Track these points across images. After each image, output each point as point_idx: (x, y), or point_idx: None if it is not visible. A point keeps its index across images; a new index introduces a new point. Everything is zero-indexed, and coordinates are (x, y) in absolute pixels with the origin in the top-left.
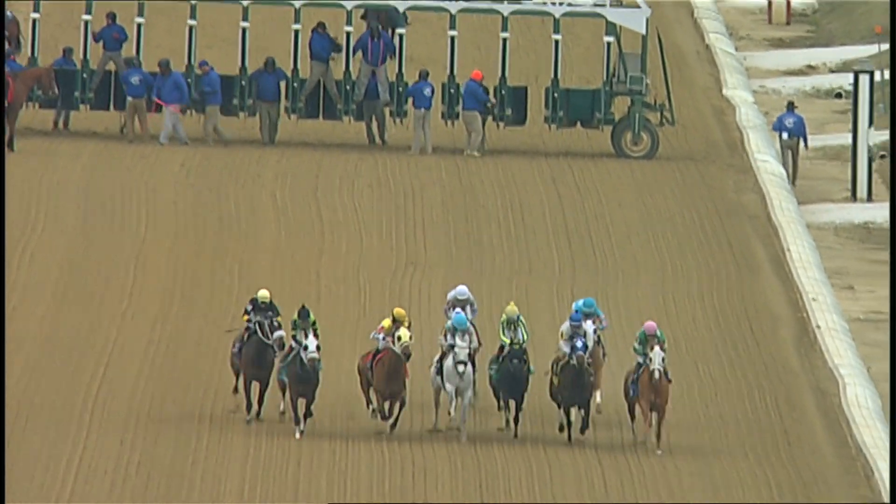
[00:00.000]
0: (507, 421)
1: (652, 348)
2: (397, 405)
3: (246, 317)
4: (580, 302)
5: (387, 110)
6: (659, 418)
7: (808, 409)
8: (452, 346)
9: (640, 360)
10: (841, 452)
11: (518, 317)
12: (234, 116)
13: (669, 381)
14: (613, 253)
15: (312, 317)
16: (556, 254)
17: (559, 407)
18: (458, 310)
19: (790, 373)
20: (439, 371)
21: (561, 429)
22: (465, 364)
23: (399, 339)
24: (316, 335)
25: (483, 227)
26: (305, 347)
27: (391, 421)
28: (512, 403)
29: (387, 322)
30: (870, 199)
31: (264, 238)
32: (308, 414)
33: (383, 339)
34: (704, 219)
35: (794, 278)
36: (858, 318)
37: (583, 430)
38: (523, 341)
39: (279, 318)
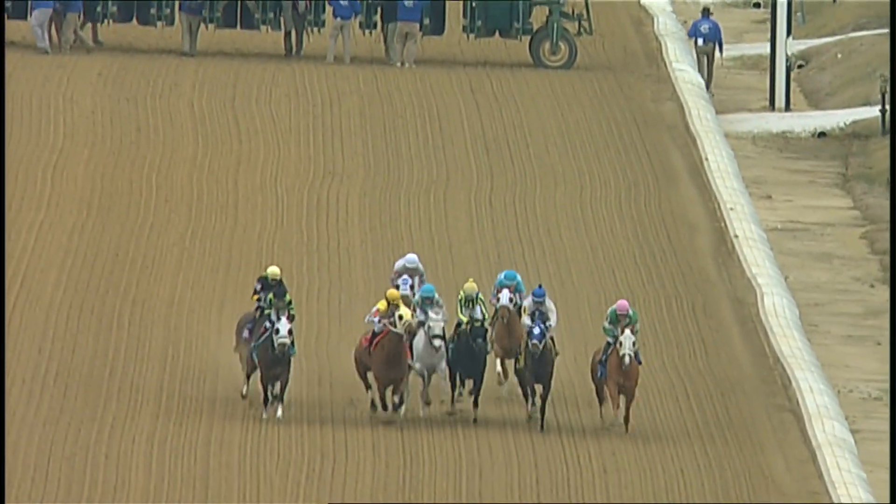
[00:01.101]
0: (452, 398)
1: (623, 330)
2: (400, 391)
3: (256, 297)
4: (501, 275)
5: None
6: (628, 401)
7: (725, 319)
8: (422, 322)
9: (610, 340)
10: (758, 362)
11: (477, 294)
12: (151, 26)
13: (639, 363)
14: (531, 162)
15: (289, 296)
16: (474, 163)
17: (522, 387)
18: (407, 279)
19: (708, 282)
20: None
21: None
22: (442, 339)
23: (401, 318)
24: (290, 317)
25: (401, 137)
26: (277, 331)
27: (399, 406)
28: (469, 382)
29: (382, 304)
30: (788, 108)
31: (182, 148)
32: (280, 398)
33: (379, 321)
34: (622, 128)
35: (712, 188)
36: (776, 228)
37: (542, 411)
38: (483, 319)
39: (290, 299)
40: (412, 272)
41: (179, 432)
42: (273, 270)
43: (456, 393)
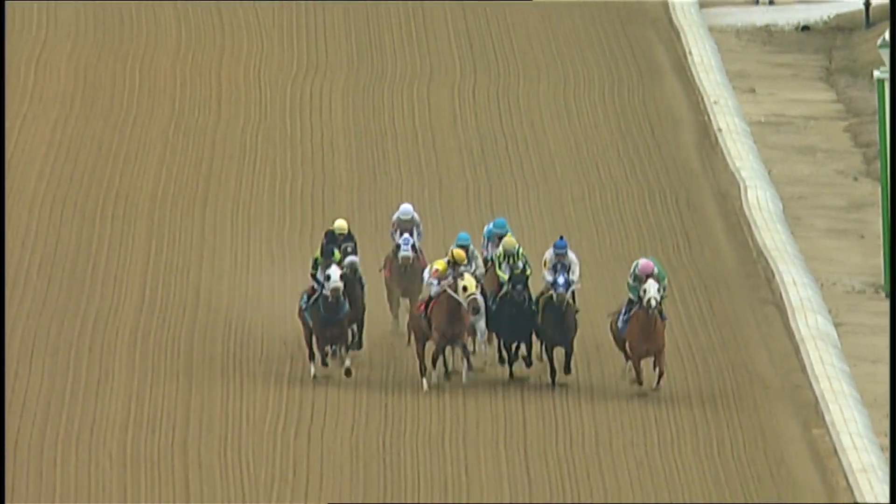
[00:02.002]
0: (509, 362)
1: (646, 280)
2: (459, 350)
3: (319, 253)
4: (490, 224)
5: None
6: (659, 365)
7: (708, 212)
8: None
9: (633, 296)
10: (742, 255)
11: (518, 249)
12: None
13: (664, 319)
14: (514, 57)
15: (337, 255)
16: (458, 57)
17: (541, 345)
18: (408, 238)
19: (691, 175)
20: None
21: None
22: (474, 294)
23: (465, 289)
24: (341, 267)
25: (384, 31)
26: (328, 278)
27: (465, 369)
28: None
29: (440, 264)
30: (771, 1)
31: (165, 41)
32: (350, 349)
33: (438, 283)
34: (606, 23)
35: (695, 81)
36: (760, 121)
37: (567, 370)
38: (526, 276)
39: (339, 257)
40: (407, 224)
41: (163, 326)
42: (340, 224)
43: (510, 359)
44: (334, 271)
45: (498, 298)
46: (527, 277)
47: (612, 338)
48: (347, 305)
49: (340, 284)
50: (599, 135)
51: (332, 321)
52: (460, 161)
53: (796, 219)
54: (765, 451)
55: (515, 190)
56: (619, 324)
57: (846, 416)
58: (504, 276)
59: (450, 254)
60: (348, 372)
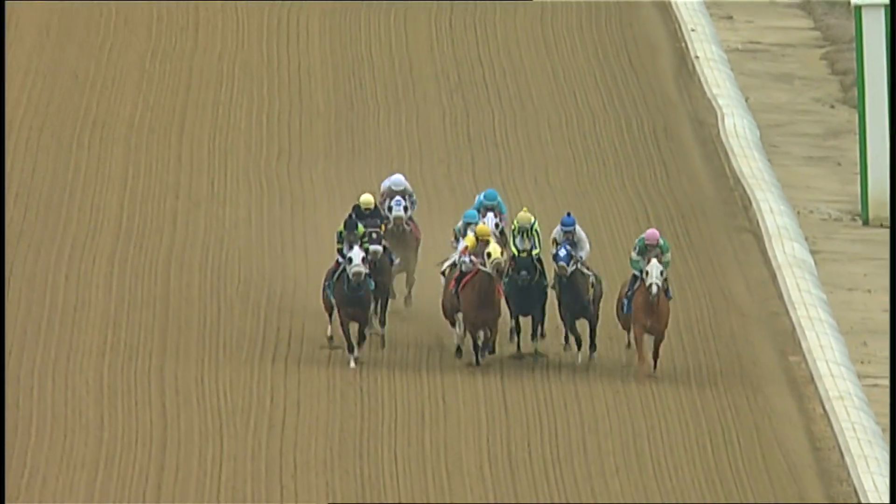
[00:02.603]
0: (518, 340)
1: (649, 261)
2: (493, 335)
3: (362, 229)
4: (481, 195)
5: None
6: (657, 342)
7: (686, 140)
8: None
9: (637, 273)
10: (719, 183)
11: (532, 225)
12: None
13: (670, 298)
14: None
15: (361, 228)
16: None
17: (563, 322)
18: (400, 200)
19: (669, 103)
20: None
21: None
22: (498, 259)
23: (489, 255)
24: (364, 249)
25: None
26: (350, 260)
27: (483, 348)
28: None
29: (470, 241)
30: None
31: None
32: (361, 339)
33: (469, 260)
34: None
35: (672, 9)
36: (737, 49)
37: (590, 345)
38: (532, 248)
39: (363, 232)
40: (400, 193)
41: (139, 253)
42: (366, 198)
43: (520, 336)
44: (357, 254)
45: (510, 272)
46: (533, 259)
47: (615, 316)
48: (372, 284)
49: (364, 269)
50: (577, 63)
51: (354, 299)
52: (437, 89)
53: (773, 146)
54: (741, 378)
55: (493, 118)
56: (624, 301)
57: (823, 343)
58: (515, 251)
59: (476, 230)
60: (382, 341)
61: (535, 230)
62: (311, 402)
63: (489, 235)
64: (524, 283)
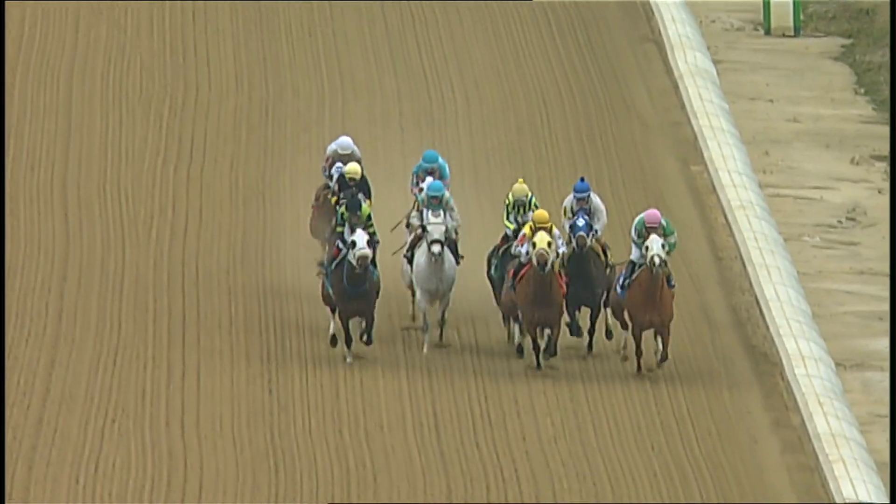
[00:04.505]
0: (510, 335)
1: (649, 238)
2: (555, 335)
3: (336, 199)
4: (422, 161)
5: None
6: (664, 340)
7: None
8: (425, 228)
9: (635, 259)
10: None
11: (531, 198)
12: None
13: (672, 287)
14: None
15: (366, 208)
16: None
17: (567, 307)
18: (340, 166)
19: None
20: (411, 261)
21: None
22: (442, 245)
23: (534, 245)
24: (369, 233)
25: None
26: (353, 244)
27: (543, 350)
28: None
29: (528, 229)
30: None
31: None
32: (368, 339)
33: (527, 252)
34: None
35: None
36: None
37: (590, 332)
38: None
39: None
40: (346, 159)
41: (41, 62)
42: (352, 168)
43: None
44: (360, 237)
45: (500, 254)
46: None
47: (609, 307)
48: (377, 273)
49: (369, 252)
50: None
51: (356, 294)
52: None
53: None
54: (644, 187)
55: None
56: (618, 289)
57: (725, 153)
58: (511, 226)
59: (533, 217)
60: (369, 341)
61: (535, 204)
62: (214, 209)
63: (548, 222)
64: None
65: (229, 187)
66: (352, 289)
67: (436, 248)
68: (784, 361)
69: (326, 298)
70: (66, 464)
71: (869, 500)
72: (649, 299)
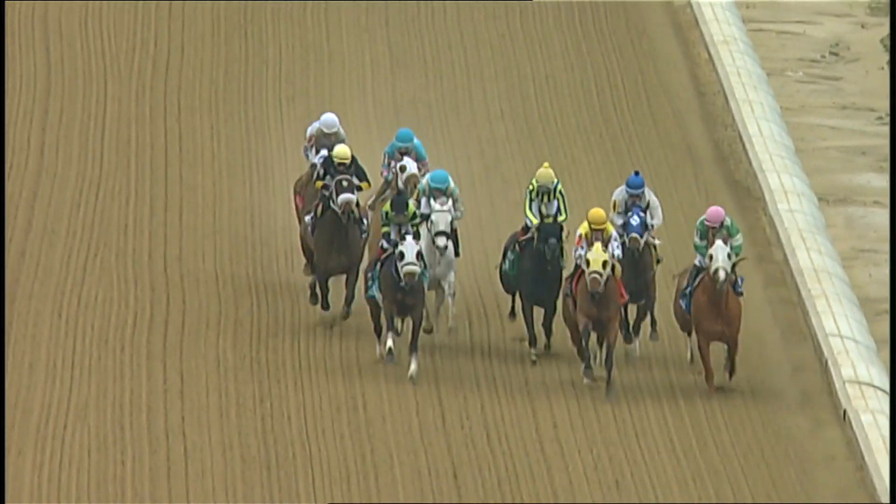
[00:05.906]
0: (531, 340)
1: (713, 244)
2: (610, 339)
3: (320, 182)
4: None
5: None
6: (731, 351)
7: None
8: (428, 216)
9: (699, 263)
10: None
11: (556, 186)
12: None
13: (740, 293)
14: None
15: (412, 207)
16: None
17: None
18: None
19: None
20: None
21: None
22: (447, 236)
23: (588, 263)
24: (416, 234)
25: None
26: (401, 255)
27: (605, 360)
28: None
29: (584, 229)
30: None
31: None
32: (414, 348)
33: (579, 256)
34: None
35: None
36: None
37: (637, 333)
38: (558, 214)
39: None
40: (330, 141)
41: None
42: (340, 151)
43: (527, 333)
44: (410, 248)
45: (518, 249)
46: (561, 227)
47: (672, 315)
48: (427, 278)
49: (418, 269)
50: None
51: (407, 302)
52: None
53: None
54: (626, 24)
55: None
56: (681, 301)
57: None
58: (534, 219)
59: (588, 215)
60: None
61: (560, 192)
62: (196, 44)
63: (604, 223)
64: (553, 255)
65: (211, 21)
66: (403, 298)
67: (441, 241)
68: (767, 196)
69: (370, 302)
70: (48, 298)
71: (866, 385)
72: (714, 307)
